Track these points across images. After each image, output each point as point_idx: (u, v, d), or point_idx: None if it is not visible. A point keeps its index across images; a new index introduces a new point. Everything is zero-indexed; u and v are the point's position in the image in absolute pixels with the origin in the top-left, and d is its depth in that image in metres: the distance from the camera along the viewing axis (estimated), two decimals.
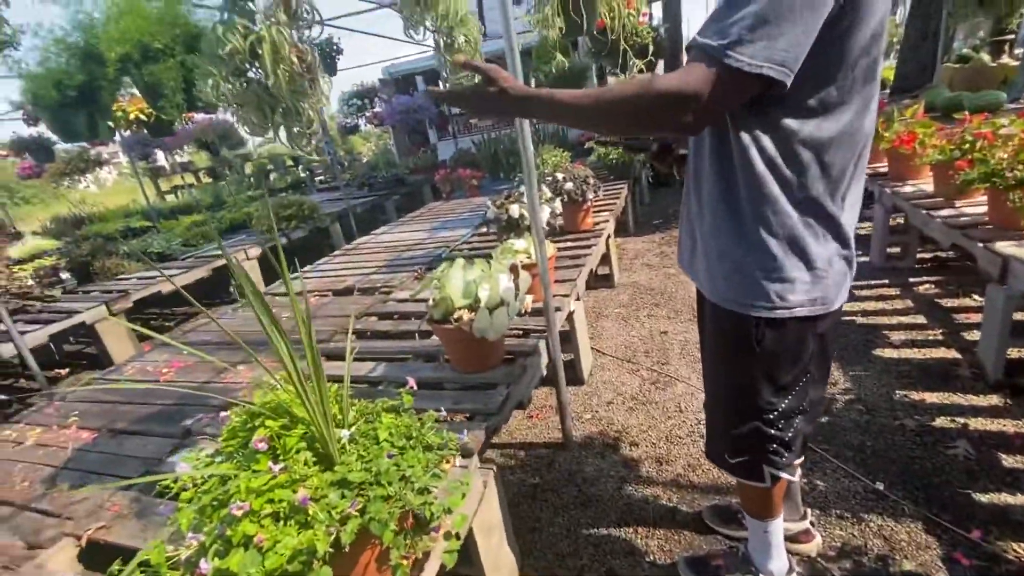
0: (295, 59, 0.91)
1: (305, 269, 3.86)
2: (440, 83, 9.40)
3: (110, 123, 2.87)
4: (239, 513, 0.80)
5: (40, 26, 2.51)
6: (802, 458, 1.37)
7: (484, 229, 4.05)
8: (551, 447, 2.19)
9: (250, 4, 0.90)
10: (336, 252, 4.22)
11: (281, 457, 0.91)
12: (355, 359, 2.13)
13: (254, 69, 0.89)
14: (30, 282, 4.21)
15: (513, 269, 1.88)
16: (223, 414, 1.05)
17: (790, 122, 0.88)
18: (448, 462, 1.00)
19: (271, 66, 0.86)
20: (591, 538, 1.71)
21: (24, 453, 1.92)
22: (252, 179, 10.61)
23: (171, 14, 2.37)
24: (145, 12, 2.34)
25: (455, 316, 1.70)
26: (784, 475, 1.17)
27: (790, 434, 1.13)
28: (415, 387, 1.15)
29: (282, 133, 1.02)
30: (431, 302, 1.77)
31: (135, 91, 3.03)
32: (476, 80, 0.96)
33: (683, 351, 2.75)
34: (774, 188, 0.93)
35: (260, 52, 0.87)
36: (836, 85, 0.86)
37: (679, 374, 2.55)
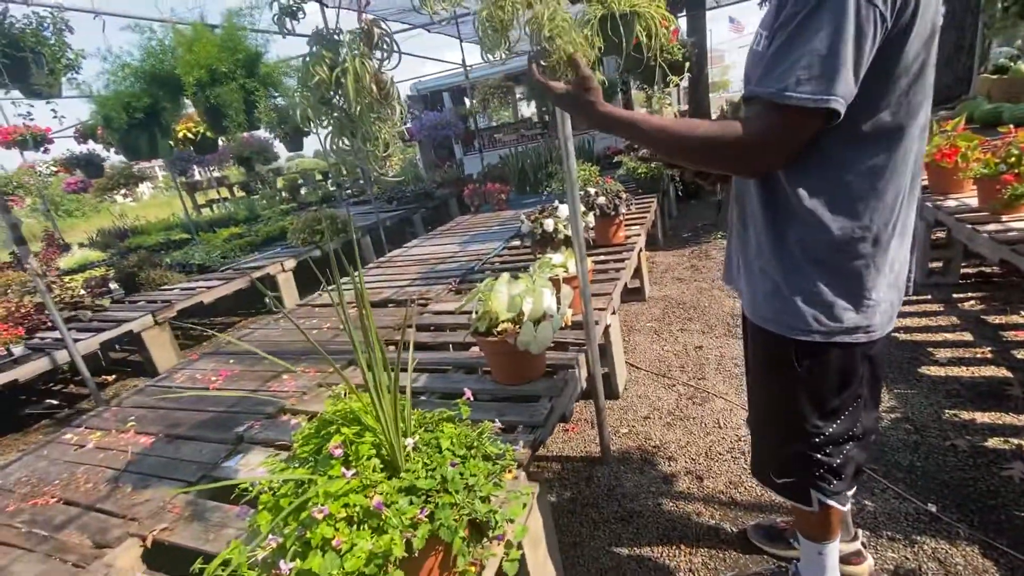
0: (375, 87, 0.97)
1: (341, 281, 3.96)
2: (467, 99, 9.46)
3: (170, 142, 3.03)
4: (320, 516, 0.84)
5: (109, 51, 2.71)
6: (854, 487, 1.34)
7: (516, 243, 4.11)
8: (589, 461, 2.19)
9: (336, 36, 0.97)
10: (370, 265, 4.32)
11: (353, 463, 0.95)
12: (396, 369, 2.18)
13: (338, 97, 0.96)
14: (81, 292, 4.41)
15: (555, 283, 1.92)
16: (293, 421, 1.10)
17: (843, 152, 0.89)
18: (510, 472, 1.03)
19: (353, 95, 0.92)
20: (633, 554, 1.70)
21: (86, 456, 2.01)
22: (284, 193, 10.95)
23: (232, 40, 2.52)
24: (212, 38, 2.49)
25: (499, 329, 1.73)
26: (832, 503, 1.14)
27: (839, 460, 1.10)
28: (471, 398, 1.18)
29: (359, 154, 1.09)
30: (475, 315, 1.81)
31: (191, 111, 3.19)
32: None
33: (720, 366, 2.73)
34: (819, 217, 0.93)
35: (344, 82, 0.93)
36: (890, 111, 0.87)
37: (717, 390, 2.53)
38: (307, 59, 0.96)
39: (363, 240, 6.20)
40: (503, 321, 1.73)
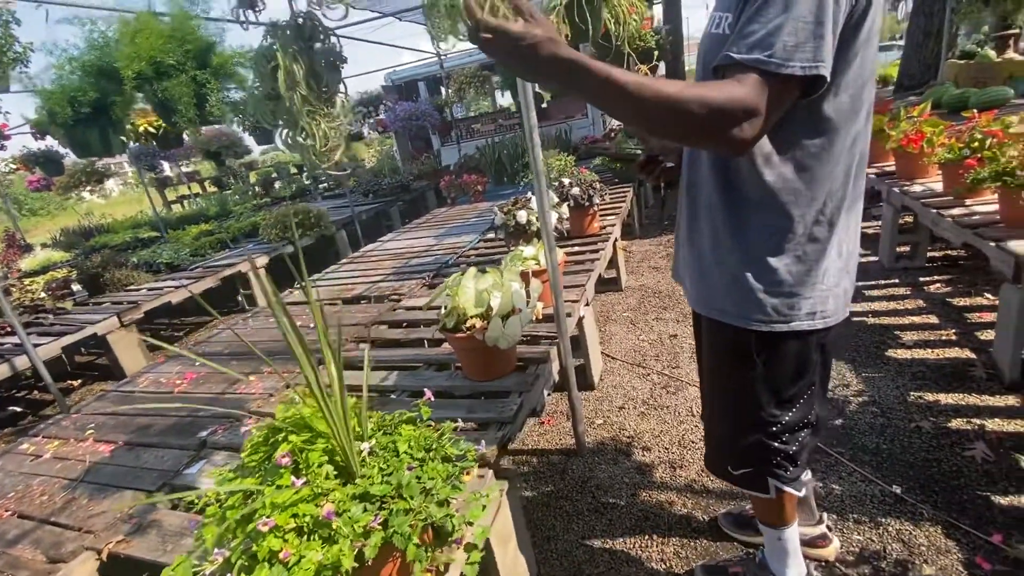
0: (312, 81, 0.92)
1: (313, 277, 3.88)
2: (443, 89, 9.29)
3: (123, 138, 2.90)
4: (265, 529, 0.80)
5: (55, 45, 2.58)
6: (808, 473, 1.35)
7: (492, 235, 4.06)
8: (564, 453, 2.19)
9: (287, 33, 0.92)
10: (344, 260, 4.25)
11: (303, 471, 0.91)
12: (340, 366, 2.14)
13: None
14: (42, 294, 4.24)
15: (524, 276, 1.89)
16: (245, 428, 1.06)
17: (804, 135, 0.88)
18: (468, 474, 1.01)
19: (284, 90, 0.88)
20: (606, 546, 1.70)
21: (42, 467, 1.94)
22: (257, 188, 10.69)
23: (182, 30, 2.39)
24: (157, 29, 2.36)
25: (467, 325, 1.70)
26: (789, 489, 1.16)
27: (794, 448, 1.12)
28: (432, 398, 1.15)
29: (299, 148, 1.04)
30: (443, 311, 1.78)
31: (144, 105, 3.04)
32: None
33: (693, 355, 2.73)
34: (781, 202, 0.92)
35: (277, 78, 0.89)
36: (849, 92, 0.86)
37: (690, 378, 2.54)
38: (255, 54, 0.92)
39: (338, 235, 6.09)
40: (471, 317, 1.70)
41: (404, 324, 2.59)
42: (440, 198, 7.11)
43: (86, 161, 7.69)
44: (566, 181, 3.38)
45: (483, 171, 6.88)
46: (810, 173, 0.91)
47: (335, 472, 0.95)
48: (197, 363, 2.57)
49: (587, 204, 3.30)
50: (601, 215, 3.64)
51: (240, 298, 5.34)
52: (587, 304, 2.52)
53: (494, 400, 1.69)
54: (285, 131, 0.99)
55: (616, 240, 3.57)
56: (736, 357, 1.06)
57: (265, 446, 0.96)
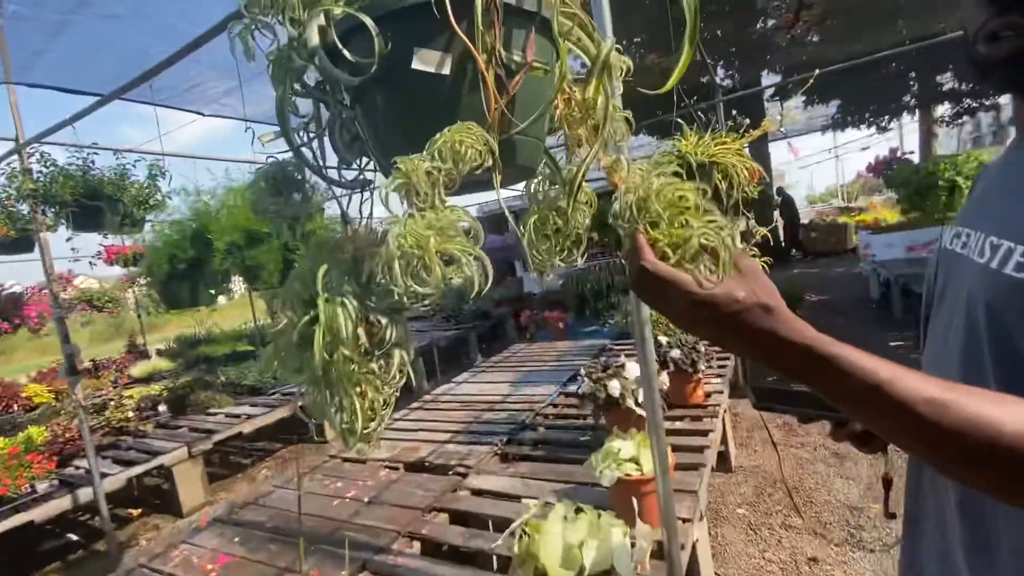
0: (361, 334, 0.66)
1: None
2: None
3: (211, 290, 3.04)
4: None
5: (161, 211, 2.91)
6: None
7: (573, 387, 3.65)
8: None
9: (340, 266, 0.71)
10: (414, 404, 3.98)
11: None
12: None
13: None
14: (130, 414, 4.36)
15: (623, 488, 1.43)
16: None
17: None
18: None
19: (320, 354, 0.61)
20: None
21: None
22: None
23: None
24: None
25: None
26: None
27: None
28: None
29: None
30: (516, 553, 1.35)
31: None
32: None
33: None
34: None
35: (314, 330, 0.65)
36: None
37: None
38: (288, 294, 0.69)
39: (415, 363, 5.98)
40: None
41: (466, 519, 2.15)
42: (520, 328, 6.93)
43: None
44: (664, 340, 2.97)
45: (565, 303, 6.68)
46: None
47: None
48: (236, 540, 2.27)
49: (690, 371, 2.84)
50: (706, 380, 3.13)
51: (311, 424, 5.21)
52: (701, 518, 1.96)
53: None
54: (308, 394, 0.71)
55: (725, 411, 3.00)
56: None
57: None
